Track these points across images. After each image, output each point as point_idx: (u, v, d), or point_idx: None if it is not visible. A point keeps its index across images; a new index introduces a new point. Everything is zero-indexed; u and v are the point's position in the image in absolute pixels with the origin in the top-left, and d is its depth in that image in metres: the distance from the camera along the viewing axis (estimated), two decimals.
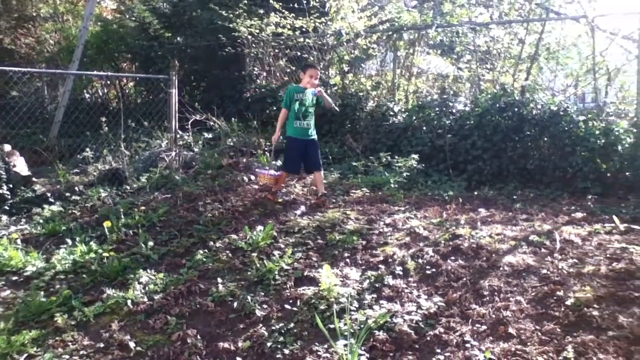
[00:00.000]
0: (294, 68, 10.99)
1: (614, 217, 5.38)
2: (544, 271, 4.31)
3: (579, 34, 8.86)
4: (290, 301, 4.17)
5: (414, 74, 10.35)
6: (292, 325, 3.86)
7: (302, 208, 6.07)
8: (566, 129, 7.06)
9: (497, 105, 7.62)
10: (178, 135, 8.02)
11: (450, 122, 7.91)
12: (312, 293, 4.20)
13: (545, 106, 7.42)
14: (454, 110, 8.16)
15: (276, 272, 4.54)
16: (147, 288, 4.42)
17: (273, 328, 3.83)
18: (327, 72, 10.05)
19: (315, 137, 6.39)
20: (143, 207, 6.08)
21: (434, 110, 8.25)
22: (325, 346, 3.57)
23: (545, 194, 6.87)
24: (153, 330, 3.89)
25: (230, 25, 10.49)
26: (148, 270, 4.71)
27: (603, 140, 6.86)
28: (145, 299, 4.26)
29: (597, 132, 6.91)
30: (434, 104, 8.42)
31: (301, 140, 6.21)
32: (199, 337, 3.77)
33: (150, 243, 5.21)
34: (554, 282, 4.12)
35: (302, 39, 10.41)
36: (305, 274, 4.55)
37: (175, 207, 6.16)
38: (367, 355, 3.43)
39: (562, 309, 3.75)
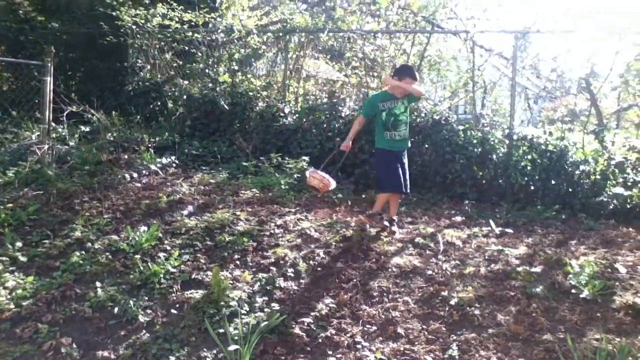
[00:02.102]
0: (180, 62, 10.59)
1: (490, 221, 5.74)
2: (430, 272, 4.48)
3: (459, 49, 9.41)
4: (177, 305, 3.98)
5: (304, 77, 10.40)
6: (178, 330, 3.69)
7: (190, 208, 5.82)
8: (447, 137, 7.43)
9: None
10: (52, 127, 7.38)
11: (339, 126, 8.02)
12: (201, 297, 4.04)
13: (428, 115, 7.76)
14: (342, 115, 8.29)
15: (161, 275, 4.31)
16: (14, 293, 3.98)
17: (158, 334, 3.64)
18: (215, 69, 9.79)
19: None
20: (10, 205, 5.49)
21: (323, 113, 8.33)
22: (215, 351, 3.45)
23: (426, 198, 7.17)
24: (20, 340, 3.52)
25: (113, 13, 9.89)
26: (16, 274, 4.26)
27: (480, 149, 7.30)
28: (12, 306, 3.85)
29: (475, 141, 7.34)
30: (323, 107, 8.51)
31: (395, 152, 5.39)
32: (74, 345, 3.48)
33: (19, 244, 4.72)
34: (438, 282, 4.30)
35: (190, 33, 10.06)
36: (193, 276, 4.37)
37: (47, 205, 5.64)
38: (259, 359, 3.35)
39: (447, 309, 3.92)
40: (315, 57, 11.77)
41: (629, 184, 6.62)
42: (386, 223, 5.37)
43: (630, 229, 5.76)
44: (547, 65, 8.87)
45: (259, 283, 4.28)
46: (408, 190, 5.56)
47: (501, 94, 9.60)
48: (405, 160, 5.50)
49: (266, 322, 3.65)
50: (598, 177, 6.81)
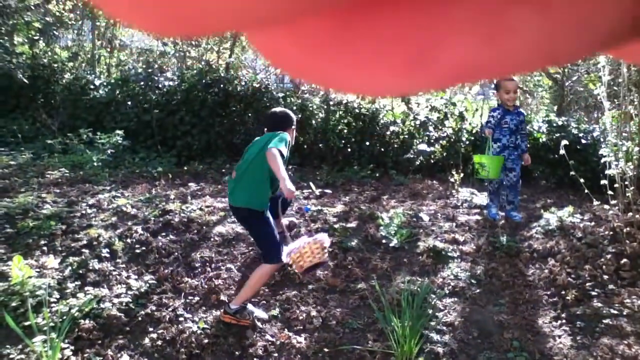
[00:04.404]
0: None
1: (311, 184, 5.93)
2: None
3: None
4: None
5: (117, 47, 9.75)
6: None
7: None
8: (268, 105, 7.48)
9: (204, 81, 7.67)
10: None
11: (156, 97, 7.67)
12: (1, 290, 3.62)
13: (248, 83, 7.74)
14: (160, 85, 7.93)
15: None
16: None
17: None
18: (9, 39, 8.73)
19: (256, 209, 3.61)
20: None
21: (139, 85, 7.89)
22: (20, 347, 3.12)
23: None
24: None
25: None
26: None
27: (300, 115, 7.47)
28: None
29: (295, 107, 7.49)
30: (139, 78, 8.06)
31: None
32: None
33: None
34: None
35: None
36: None
37: None
38: (72, 347, 3.13)
39: None
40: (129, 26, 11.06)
41: (432, 141, 7.27)
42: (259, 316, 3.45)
43: (434, 181, 6.35)
44: None
45: (70, 268, 3.96)
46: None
47: None
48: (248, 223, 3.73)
49: (79, 308, 3.41)
50: (406, 136, 7.38)
